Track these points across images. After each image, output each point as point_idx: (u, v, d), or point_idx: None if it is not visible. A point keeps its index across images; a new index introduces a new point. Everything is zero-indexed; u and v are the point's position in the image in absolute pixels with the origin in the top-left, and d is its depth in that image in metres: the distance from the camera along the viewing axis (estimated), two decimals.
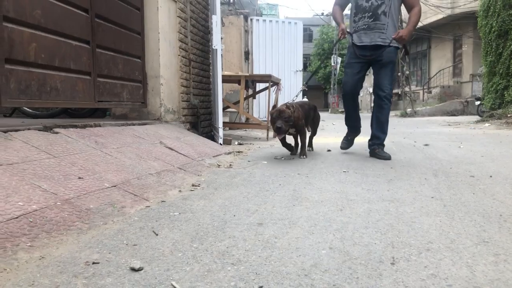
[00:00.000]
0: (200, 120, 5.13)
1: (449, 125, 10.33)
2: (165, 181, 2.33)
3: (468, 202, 2.00)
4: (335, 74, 28.29)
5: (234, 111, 7.55)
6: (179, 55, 4.56)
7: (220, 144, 4.57)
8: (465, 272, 1.15)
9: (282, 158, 3.64)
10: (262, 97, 7.85)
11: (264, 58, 8.75)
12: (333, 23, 31.93)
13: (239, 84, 6.02)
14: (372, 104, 3.93)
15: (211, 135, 5.10)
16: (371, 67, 3.90)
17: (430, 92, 20.39)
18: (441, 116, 16.14)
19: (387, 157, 3.64)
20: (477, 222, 1.64)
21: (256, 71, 8.62)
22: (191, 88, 4.90)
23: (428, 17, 18.45)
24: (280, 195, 2.14)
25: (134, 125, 3.55)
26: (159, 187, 2.20)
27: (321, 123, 4.82)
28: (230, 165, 3.21)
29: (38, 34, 2.57)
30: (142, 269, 1.15)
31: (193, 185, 2.38)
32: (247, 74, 6.64)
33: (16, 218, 1.39)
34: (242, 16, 8.53)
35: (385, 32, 3.59)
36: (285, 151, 4.15)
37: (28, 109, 4.44)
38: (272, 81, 6.09)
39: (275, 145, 5.00)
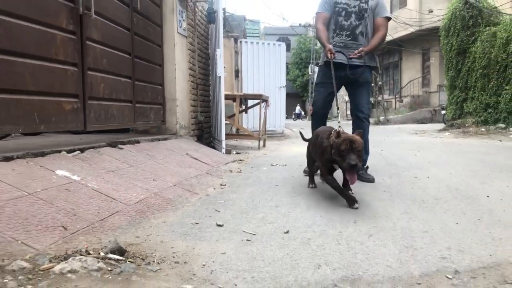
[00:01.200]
0: (204, 133, 6.13)
1: (416, 133, 11.61)
2: (203, 182, 3.33)
3: (406, 193, 3.07)
4: (312, 83, 29.67)
5: (227, 123, 8.58)
6: (189, 81, 5.56)
7: (223, 153, 5.57)
8: (391, 225, 2.21)
9: (277, 165, 4.67)
10: (251, 111, 8.88)
11: (252, 75, 9.82)
12: (310, 33, 33.23)
13: (234, 101, 7.06)
14: (351, 119, 3.87)
15: (212, 145, 6.09)
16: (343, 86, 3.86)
17: (402, 101, 21.93)
18: (411, 124, 17.54)
19: (371, 180, 3.51)
20: (406, 204, 2.71)
21: (245, 88, 9.68)
22: (198, 107, 5.91)
23: (399, 31, 19.99)
24: (284, 191, 3.17)
25: (159, 140, 4.52)
26: (200, 186, 3.20)
27: (301, 131, 4.50)
28: (240, 170, 4.22)
29: (105, 77, 3.54)
30: (223, 226, 2.15)
31: (221, 184, 3.38)
32: (242, 94, 7.68)
33: (137, 202, 2.37)
34: (232, 39, 9.61)
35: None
36: (278, 158, 5.19)
37: None
38: (262, 99, 7.15)
39: (268, 154, 6.03)
